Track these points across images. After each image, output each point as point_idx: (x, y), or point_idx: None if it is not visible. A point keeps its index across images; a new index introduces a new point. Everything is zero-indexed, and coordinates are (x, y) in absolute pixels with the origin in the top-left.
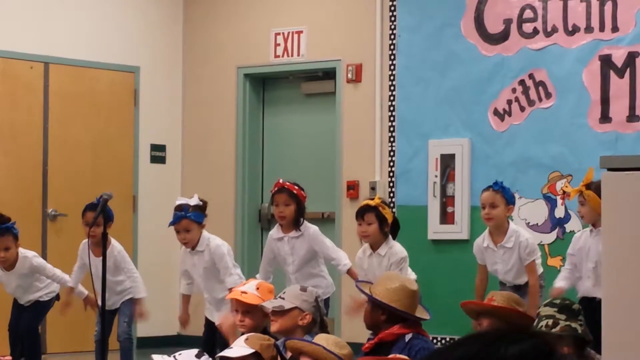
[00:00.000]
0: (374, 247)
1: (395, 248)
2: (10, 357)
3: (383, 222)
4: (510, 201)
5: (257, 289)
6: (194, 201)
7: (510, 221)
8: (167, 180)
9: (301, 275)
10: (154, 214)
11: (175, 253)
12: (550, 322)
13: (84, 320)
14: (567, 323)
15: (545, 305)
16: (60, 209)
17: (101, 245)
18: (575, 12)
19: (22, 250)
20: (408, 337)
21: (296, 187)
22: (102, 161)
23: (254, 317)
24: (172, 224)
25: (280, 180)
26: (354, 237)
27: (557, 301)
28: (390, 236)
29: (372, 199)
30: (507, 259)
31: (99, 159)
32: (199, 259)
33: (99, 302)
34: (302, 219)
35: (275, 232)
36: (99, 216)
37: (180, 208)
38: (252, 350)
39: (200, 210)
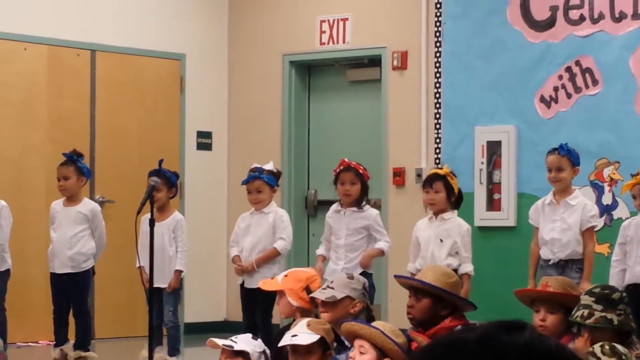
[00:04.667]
0: (437, 215)
1: (460, 220)
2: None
3: (450, 192)
4: (575, 163)
5: (285, 275)
6: (269, 166)
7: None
8: (213, 167)
9: (350, 248)
10: (200, 201)
11: (221, 239)
12: (585, 312)
13: (131, 305)
14: (603, 314)
15: (586, 293)
16: (107, 196)
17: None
18: None
19: None
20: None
21: (361, 167)
22: (149, 148)
23: (283, 301)
24: (245, 182)
25: (346, 160)
26: (401, 223)
27: (597, 290)
28: (454, 207)
29: (441, 168)
30: (567, 217)
31: (145, 146)
32: (259, 219)
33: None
34: (365, 199)
35: (334, 206)
36: (146, 202)
37: (254, 170)
38: (319, 337)
39: (273, 176)
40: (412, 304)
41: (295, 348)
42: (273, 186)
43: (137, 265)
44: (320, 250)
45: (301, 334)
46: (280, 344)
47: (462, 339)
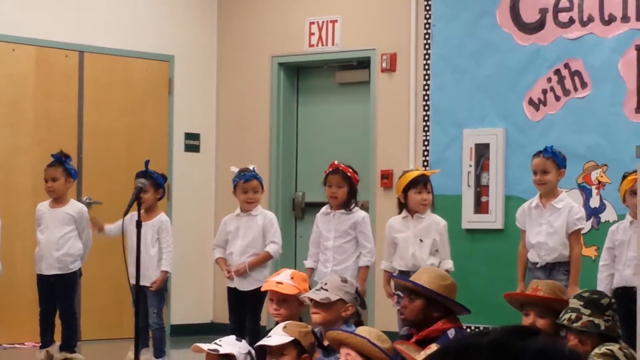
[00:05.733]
0: (413, 214)
1: (436, 216)
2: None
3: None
4: (561, 165)
5: (292, 278)
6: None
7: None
8: (201, 169)
9: (338, 250)
10: (188, 203)
11: (209, 241)
12: (573, 315)
13: (118, 307)
14: (590, 319)
15: (575, 297)
16: (95, 197)
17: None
18: (612, 1)
19: None
20: (451, 332)
21: (350, 170)
22: (137, 150)
23: (290, 306)
24: (246, 180)
25: (335, 162)
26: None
27: (586, 294)
28: None
29: (417, 170)
30: (554, 220)
31: (133, 148)
32: (248, 222)
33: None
34: (353, 202)
35: (324, 208)
36: (134, 203)
37: (246, 169)
38: (292, 338)
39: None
40: (405, 304)
41: (270, 349)
42: (263, 188)
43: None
44: (309, 263)
45: (275, 335)
46: (255, 345)
47: (475, 344)
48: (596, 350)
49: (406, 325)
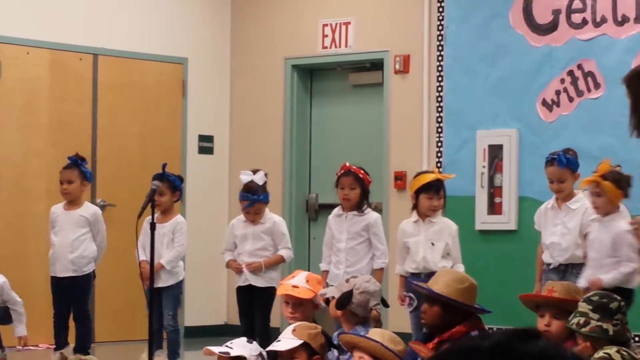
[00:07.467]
0: (423, 216)
1: (448, 220)
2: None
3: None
4: (575, 170)
5: (307, 281)
6: (261, 179)
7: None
8: (215, 171)
9: (351, 252)
10: (202, 205)
11: (222, 243)
12: (582, 320)
13: (132, 309)
14: (599, 324)
15: (584, 300)
16: (108, 200)
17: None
18: (625, 2)
19: None
20: (474, 334)
21: (362, 172)
22: (151, 152)
23: (305, 309)
24: (248, 206)
25: (347, 164)
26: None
27: (595, 298)
28: None
29: (432, 172)
30: (568, 221)
31: (147, 150)
32: (256, 227)
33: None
34: (365, 203)
35: (336, 210)
36: (147, 205)
37: (250, 189)
38: (301, 342)
39: (265, 188)
40: (424, 309)
41: (280, 353)
42: (267, 202)
43: (138, 259)
44: (324, 266)
45: (284, 339)
46: (266, 350)
47: (476, 347)
48: (595, 355)
49: (427, 329)
